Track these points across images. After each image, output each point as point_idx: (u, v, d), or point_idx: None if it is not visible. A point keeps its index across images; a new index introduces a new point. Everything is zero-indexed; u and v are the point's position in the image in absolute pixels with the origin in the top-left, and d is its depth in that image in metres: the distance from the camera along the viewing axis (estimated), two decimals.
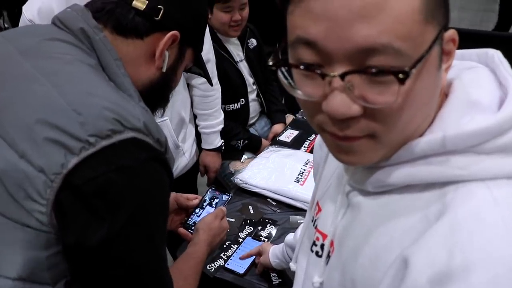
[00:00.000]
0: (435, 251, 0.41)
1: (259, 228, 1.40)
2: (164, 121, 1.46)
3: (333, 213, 0.57)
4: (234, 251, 1.31)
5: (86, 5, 0.76)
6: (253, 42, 2.03)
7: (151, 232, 0.66)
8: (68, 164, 0.59)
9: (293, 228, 1.37)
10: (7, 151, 0.61)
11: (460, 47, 0.48)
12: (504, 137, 0.43)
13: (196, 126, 1.76)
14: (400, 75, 0.39)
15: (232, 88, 1.92)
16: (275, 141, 1.90)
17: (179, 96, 1.55)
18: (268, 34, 2.22)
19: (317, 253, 0.61)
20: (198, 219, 1.12)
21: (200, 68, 0.93)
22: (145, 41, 0.75)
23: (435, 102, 0.47)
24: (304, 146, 1.84)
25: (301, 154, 1.74)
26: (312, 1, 0.40)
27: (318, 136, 0.75)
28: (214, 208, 1.17)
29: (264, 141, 2.03)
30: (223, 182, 1.92)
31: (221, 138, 1.83)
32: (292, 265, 0.73)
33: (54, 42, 0.71)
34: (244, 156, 1.98)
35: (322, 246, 0.60)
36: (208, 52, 1.63)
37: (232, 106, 1.96)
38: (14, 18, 4.07)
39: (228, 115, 1.87)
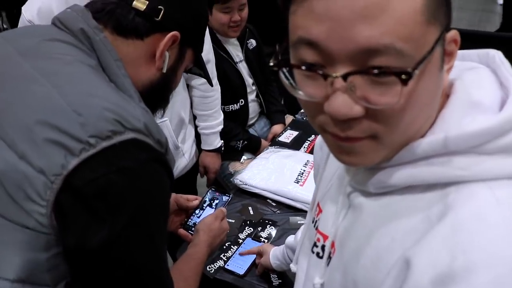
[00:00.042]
0: (437, 252, 0.41)
1: (259, 229, 1.40)
2: (164, 122, 1.46)
3: (334, 214, 0.57)
4: (234, 252, 1.31)
5: (86, 6, 0.76)
6: (252, 42, 2.02)
7: (151, 233, 0.66)
8: (68, 165, 0.59)
9: (293, 229, 1.37)
10: (6, 152, 0.61)
11: (460, 47, 0.48)
12: (506, 137, 0.43)
13: (196, 127, 1.76)
14: (403, 76, 0.39)
15: (231, 88, 1.91)
16: (275, 142, 1.90)
17: (178, 97, 1.55)
18: (268, 34, 2.22)
19: (318, 254, 0.61)
20: (198, 220, 1.12)
21: (200, 69, 0.93)
22: (145, 41, 0.75)
23: (437, 103, 0.47)
24: (304, 147, 1.84)
25: (301, 155, 1.74)
26: (315, 1, 0.40)
27: (318, 137, 0.75)
28: (214, 209, 1.17)
29: (263, 142, 2.03)
30: (222, 183, 1.92)
31: (221, 139, 1.83)
32: (292, 267, 0.73)
33: (54, 42, 0.71)
34: (244, 157, 1.98)
35: (323, 247, 0.59)
36: (208, 52, 1.63)
37: (232, 106, 1.96)
38: (13, 18, 4.07)
39: (227, 115, 1.87)
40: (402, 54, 0.39)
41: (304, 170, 1.60)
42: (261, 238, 1.36)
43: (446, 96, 0.49)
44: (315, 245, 0.61)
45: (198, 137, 1.78)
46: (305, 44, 0.42)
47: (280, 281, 1.19)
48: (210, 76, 1.13)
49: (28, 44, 0.71)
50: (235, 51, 1.94)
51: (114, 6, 0.74)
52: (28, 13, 1.31)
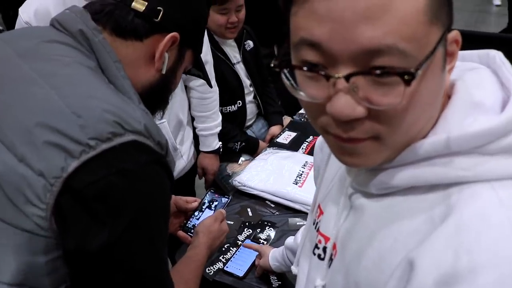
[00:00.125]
0: (441, 253, 0.41)
1: (258, 230, 1.40)
2: (162, 123, 1.46)
3: (336, 215, 0.57)
4: (233, 254, 1.31)
5: (85, 7, 0.75)
6: (249, 44, 2.02)
7: (152, 236, 0.65)
8: (68, 167, 0.58)
9: (292, 230, 1.37)
10: (6, 155, 0.60)
11: (460, 48, 0.48)
12: (508, 138, 0.43)
13: (194, 128, 1.76)
14: (406, 77, 0.39)
15: (229, 90, 1.91)
16: (273, 143, 1.90)
17: (176, 98, 1.55)
18: (265, 35, 2.22)
19: (319, 256, 0.61)
20: (197, 222, 1.12)
21: (199, 70, 0.93)
22: (145, 43, 0.74)
23: (439, 104, 0.47)
24: (302, 148, 1.84)
25: (299, 156, 1.74)
26: (316, 2, 0.40)
27: (318, 139, 0.75)
28: (213, 211, 1.17)
29: (261, 143, 2.02)
30: (220, 184, 1.92)
31: (219, 140, 1.83)
32: (293, 269, 0.72)
33: (52, 44, 0.70)
34: (242, 158, 1.98)
35: (324, 249, 0.59)
36: (206, 54, 1.63)
37: (229, 108, 1.96)
38: (9, 20, 4.05)
39: (225, 117, 1.87)
40: (405, 54, 0.39)
41: (302, 171, 1.60)
42: (260, 240, 1.36)
43: (448, 96, 0.49)
44: (316, 247, 0.61)
45: (196, 138, 1.77)
46: (307, 45, 0.42)
47: (280, 282, 1.19)
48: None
49: (27, 46, 0.70)
50: (233, 53, 1.94)
51: (113, 7, 0.74)
52: (25, 15, 1.30)
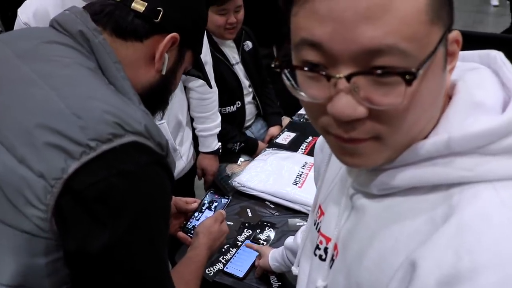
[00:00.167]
0: (442, 253, 0.41)
1: (258, 231, 1.40)
2: (161, 124, 1.45)
3: (337, 216, 0.56)
4: (233, 254, 1.31)
5: (85, 8, 0.75)
6: (248, 44, 2.02)
7: (152, 237, 0.65)
8: (69, 168, 0.58)
9: (292, 231, 1.37)
10: (5, 156, 0.60)
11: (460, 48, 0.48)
12: (510, 138, 0.43)
13: (193, 129, 1.75)
14: (407, 76, 0.39)
15: (228, 90, 1.91)
16: (272, 144, 1.90)
17: (176, 99, 1.55)
18: (264, 36, 2.22)
19: (320, 256, 0.60)
20: (197, 223, 1.12)
21: (199, 71, 0.93)
22: (145, 43, 0.74)
23: (439, 104, 0.47)
24: (302, 148, 1.84)
25: (299, 157, 1.74)
26: (317, 2, 0.40)
27: (318, 139, 0.75)
28: (213, 212, 1.17)
29: (260, 144, 2.02)
30: (219, 185, 1.92)
31: (218, 141, 1.83)
32: (294, 269, 0.72)
33: (52, 45, 0.70)
34: (241, 159, 1.98)
35: (325, 249, 0.59)
36: (205, 54, 1.63)
37: (228, 108, 1.96)
38: (8, 21, 4.04)
39: (224, 117, 1.87)
40: (405, 54, 0.39)
41: (302, 172, 1.60)
42: (259, 241, 1.36)
43: (449, 97, 0.49)
44: (317, 247, 0.61)
45: (195, 139, 1.77)
46: (308, 45, 0.42)
47: (280, 283, 1.19)
48: None
49: (26, 47, 0.70)
50: (232, 53, 1.94)
51: (113, 8, 0.73)
52: (24, 16, 1.30)
